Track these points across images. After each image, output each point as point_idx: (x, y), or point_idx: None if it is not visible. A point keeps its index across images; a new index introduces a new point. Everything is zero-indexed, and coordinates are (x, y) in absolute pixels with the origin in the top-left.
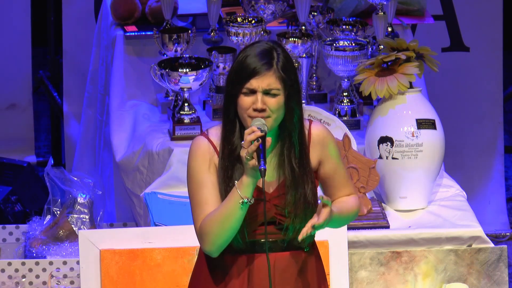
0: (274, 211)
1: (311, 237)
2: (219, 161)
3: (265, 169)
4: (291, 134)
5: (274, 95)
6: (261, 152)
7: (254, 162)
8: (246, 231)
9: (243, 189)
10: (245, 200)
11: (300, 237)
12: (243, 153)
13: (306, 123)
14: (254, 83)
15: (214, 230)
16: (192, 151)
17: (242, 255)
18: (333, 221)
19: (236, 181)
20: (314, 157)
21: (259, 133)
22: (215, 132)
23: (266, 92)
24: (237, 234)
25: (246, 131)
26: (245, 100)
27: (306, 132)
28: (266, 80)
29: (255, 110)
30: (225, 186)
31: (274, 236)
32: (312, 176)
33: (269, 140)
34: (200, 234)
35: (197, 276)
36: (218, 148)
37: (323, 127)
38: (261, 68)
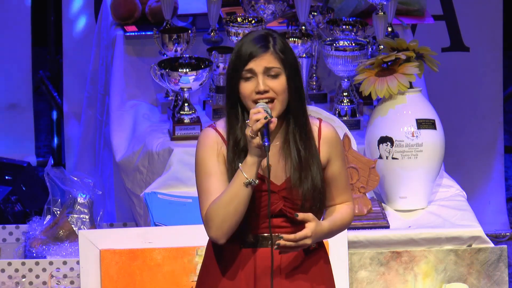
0: (282, 204)
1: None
2: (227, 153)
3: (268, 145)
4: (295, 116)
5: (275, 76)
6: (265, 130)
7: (258, 140)
8: (254, 224)
9: (247, 169)
10: (249, 180)
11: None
12: (248, 131)
13: (316, 121)
14: (252, 65)
15: (220, 214)
16: (200, 141)
17: (249, 248)
18: (320, 238)
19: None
20: (323, 155)
21: (265, 114)
22: (222, 124)
23: (267, 74)
24: (245, 226)
25: (252, 110)
26: (246, 86)
27: (316, 129)
28: (265, 60)
29: (258, 93)
30: None
31: (282, 230)
32: (319, 160)
33: (274, 120)
34: (206, 220)
35: (207, 268)
36: (226, 139)
37: (333, 127)
38: (257, 51)
